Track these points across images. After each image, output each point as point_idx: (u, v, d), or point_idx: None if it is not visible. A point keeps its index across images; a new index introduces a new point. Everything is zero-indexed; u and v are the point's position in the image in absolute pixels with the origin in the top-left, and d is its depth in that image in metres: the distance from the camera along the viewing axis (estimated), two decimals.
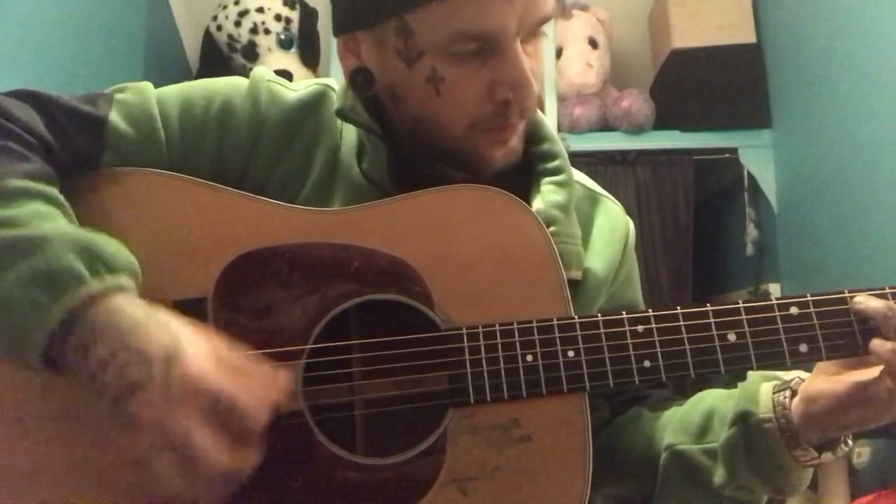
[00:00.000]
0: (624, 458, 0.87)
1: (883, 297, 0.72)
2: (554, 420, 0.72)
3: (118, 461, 0.69)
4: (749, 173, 2.65)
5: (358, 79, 0.80)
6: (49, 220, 0.69)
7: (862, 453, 1.99)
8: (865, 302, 0.72)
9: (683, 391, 0.92)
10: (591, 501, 0.72)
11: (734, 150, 2.63)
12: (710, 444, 0.79)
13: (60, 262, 0.65)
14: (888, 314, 0.70)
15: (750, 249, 2.67)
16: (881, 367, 0.69)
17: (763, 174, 2.60)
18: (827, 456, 0.74)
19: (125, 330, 0.64)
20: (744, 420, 0.76)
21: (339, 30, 0.82)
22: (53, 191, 0.73)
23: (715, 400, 0.82)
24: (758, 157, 2.61)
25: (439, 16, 0.72)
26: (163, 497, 0.64)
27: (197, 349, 0.64)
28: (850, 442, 0.74)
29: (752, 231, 2.68)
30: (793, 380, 0.76)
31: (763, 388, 0.76)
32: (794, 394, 0.74)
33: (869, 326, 0.71)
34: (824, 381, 0.73)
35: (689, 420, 0.82)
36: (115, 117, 0.80)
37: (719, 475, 0.77)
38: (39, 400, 0.72)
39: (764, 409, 0.75)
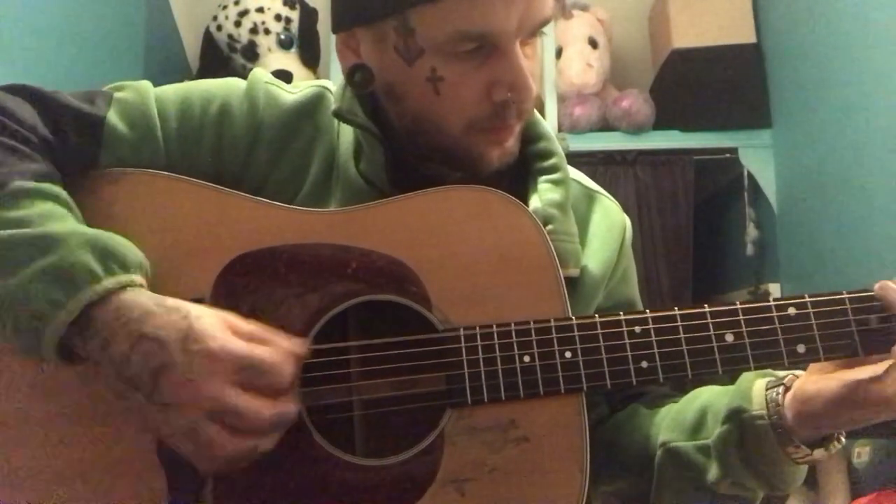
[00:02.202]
0: (620, 456, 0.88)
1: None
2: (551, 421, 0.72)
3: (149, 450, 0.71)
4: (749, 173, 2.65)
5: (356, 76, 0.80)
6: (60, 220, 0.71)
7: (862, 453, 1.99)
8: (889, 291, 0.71)
9: (682, 389, 0.92)
10: (588, 501, 0.72)
11: (734, 150, 2.63)
12: (704, 440, 0.79)
13: (76, 260, 0.67)
14: None
15: (750, 249, 2.67)
16: (871, 365, 0.70)
17: (763, 174, 2.60)
18: (820, 452, 0.73)
19: (138, 320, 0.66)
20: (737, 416, 0.76)
21: (338, 26, 0.82)
22: (61, 191, 0.74)
23: (709, 397, 0.82)
24: (758, 157, 2.61)
25: (441, 14, 0.72)
26: (224, 463, 0.66)
27: (209, 322, 0.66)
28: (843, 439, 0.74)
29: (752, 231, 2.68)
30: (786, 376, 0.75)
31: (756, 385, 0.76)
32: (787, 390, 0.74)
33: (868, 327, 0.71)
34: (819, 378, 0.72)
35: (684, 417, 0.82)
36: (113, 117, 0.80)
37: (713, 472, 0.77)
38: (53, 401, 0.73)
39: (757, 405, 0.75)
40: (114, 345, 0.66)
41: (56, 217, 0.71)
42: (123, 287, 0.68)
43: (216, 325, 0.66)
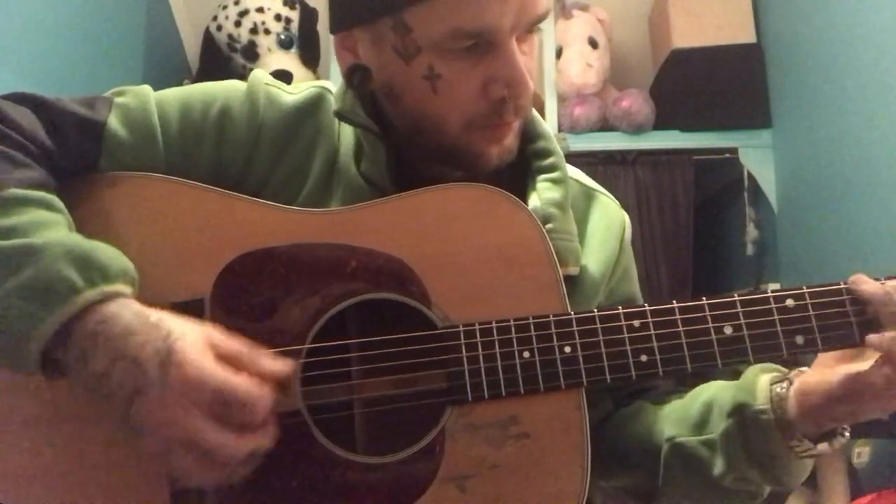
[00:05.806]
0: (627, 451, 0.88)
1: None
2: (552, 417, 0.72)
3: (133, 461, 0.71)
4: (749, 173, 2.65)
5: (355, 76, 0.81)
6: (49, 227, 0.70)
7: (862, 453, 1.99)
8: (861, 283, 0.72)
9: (684, 383, 0.92)
10: (589, 497, 0.72)
11: (734, 150, 2.63)
12: (709, 435, 0.79)
13: (54, 273, 0.66)
14: (885, 299, 0.70)
15: (750, 249, 2.67)
16: (873, 358, 0.70)
17: (763, 174, 2.60)
18: (823, 447, 0.74)
19: (118, 337, 0.65)
20: (741, 412, 0.76)
21: (336, 27, 0.82)
22: (54, 198, 0.74)
23: (714, 392, 0.82)
24: (758, 157, 2.61)
25: (436, 13, 0.72)
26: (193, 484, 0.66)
27: (191, 346, 0.65)
28: (846, 433, 0.74)
29: (752, 231, 2.68)
30: (792, 371, 0.76)
31: (761, 380, 0.77)
32: (792, 385, 0.74)
33: (865, 317, 0.71)
34: (821, 372, 0.73)
35: (689, 412, 0.83)
36: (113, 122, 0.80)
37: (718, 466, 0.78)
38: (39, 402, 0.73)
39: (761, 400, 0.75)
40: (92, 361, 0.65)
41: (46, 225, 0.70)
42: (104, 299, 0.66)
43: (197, 349, 0.65)
